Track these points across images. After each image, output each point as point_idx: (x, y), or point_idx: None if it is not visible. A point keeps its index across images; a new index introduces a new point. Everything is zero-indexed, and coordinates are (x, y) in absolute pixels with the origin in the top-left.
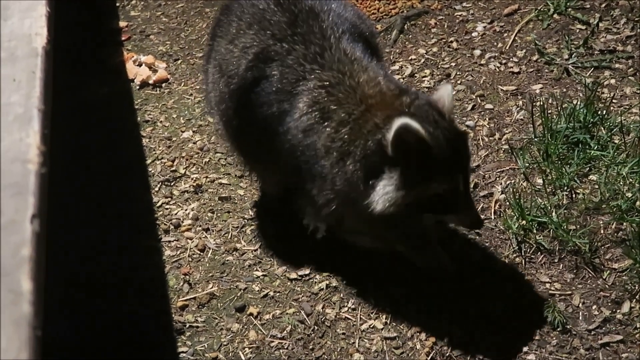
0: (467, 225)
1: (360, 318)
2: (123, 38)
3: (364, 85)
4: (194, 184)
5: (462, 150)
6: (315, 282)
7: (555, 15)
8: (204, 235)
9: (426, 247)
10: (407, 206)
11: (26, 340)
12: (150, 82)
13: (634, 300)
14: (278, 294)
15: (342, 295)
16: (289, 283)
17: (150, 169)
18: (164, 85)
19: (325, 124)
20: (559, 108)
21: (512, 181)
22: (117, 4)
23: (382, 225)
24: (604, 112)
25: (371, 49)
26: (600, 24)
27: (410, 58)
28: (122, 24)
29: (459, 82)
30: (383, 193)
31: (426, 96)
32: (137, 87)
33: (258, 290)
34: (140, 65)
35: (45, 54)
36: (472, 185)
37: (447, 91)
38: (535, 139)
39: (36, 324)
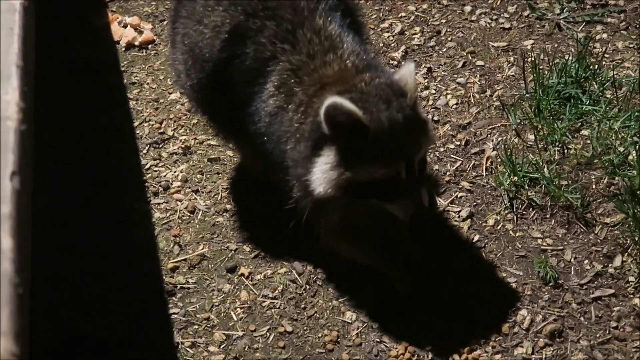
0: (406, 217)
1: (352, 276)
2: None
3: (327, 65)
4: (183, 146)
5: (412, 136)
6: (307, 242)
7: None
8: (193, 197)
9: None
10: (346, 189)
11: (8, 298)
12: (136, 43)
13: (626, 254)
14: (269, 254)
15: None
16: (280, 243)
17: (137, 131)
18: (150, 46)
19: (289, 107)
20: (550, 63)
21: (504, 138)
22: None
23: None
24: (596, 66)
25: (352, 19)
26: None
27: (400, 15)
28: None
29: (449, 39)
30: (320, 172)
31: (390, 75)
32: (123, 49)
33: (249, 251)
34: (125, 26)
35: (24, 9)
36: (463, 143)
37: (409, 70)
38: (527, 95)
39: (18, 281)
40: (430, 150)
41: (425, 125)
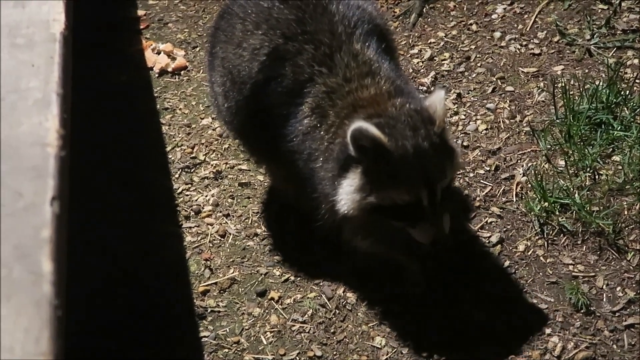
0: (426, 242)
1: (382, 301)
2: (141, 26)
3: (363, 88)
4: (214, 170)
5: (437, 164)
6: (336, 266)
7: None
8: (224, 221)
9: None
10: (369, 212)
11: (48, 320)
12: (169, 69)
13: None
14: (299, 279)
15: (362, 278)
16: (309, 267)
17: (170, 156)
18: (182, 72)
19: (321, 126)
20: (581, 89)
21: (534, 163)
22: None
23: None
24: (627, 92)
25: (386, 43)
26: (623, 3)
27: (429, 41)
28: (140, 12)
29: (479, 64)
30: (345, 193)
31: (421, 101)
32: (156, 75)
33: (279, 275)
34: (158, 53)
35: (64, 39)
36: (493, 168)
37: (439, 97)
38: (557, 121)
39: (57, 303)
40: (460, 176)
41: (452, 153)
